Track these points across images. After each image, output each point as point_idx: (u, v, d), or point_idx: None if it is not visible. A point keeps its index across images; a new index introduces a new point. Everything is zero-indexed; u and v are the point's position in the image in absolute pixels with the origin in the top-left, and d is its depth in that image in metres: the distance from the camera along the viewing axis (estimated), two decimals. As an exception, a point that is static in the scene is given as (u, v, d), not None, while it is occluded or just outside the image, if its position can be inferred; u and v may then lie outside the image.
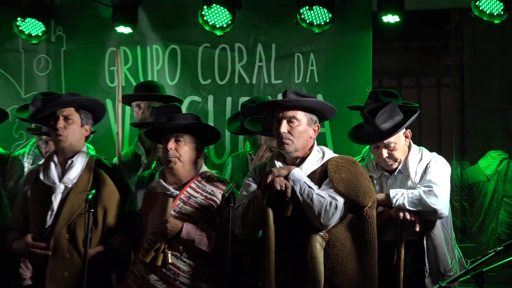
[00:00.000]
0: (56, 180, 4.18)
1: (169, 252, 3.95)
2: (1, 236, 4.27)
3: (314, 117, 3.90)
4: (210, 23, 5.57)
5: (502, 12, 5.34)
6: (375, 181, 4.14)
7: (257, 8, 5.73)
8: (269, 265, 3.64)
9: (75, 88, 5.19)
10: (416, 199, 3.99)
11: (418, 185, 4.07)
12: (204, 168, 4.23)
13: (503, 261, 3.45)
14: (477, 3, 5.34)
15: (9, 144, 5.83)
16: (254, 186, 3.89)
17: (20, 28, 5.82)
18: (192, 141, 4.13)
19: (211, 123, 5.57)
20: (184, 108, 5.52)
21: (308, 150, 3.88)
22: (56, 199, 4.13)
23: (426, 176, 4.08)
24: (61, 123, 4.18)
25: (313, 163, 3.85)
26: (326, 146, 4.20)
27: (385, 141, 4.09)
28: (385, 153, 4.11)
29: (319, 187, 3.75)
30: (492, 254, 3.41)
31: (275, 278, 3.65)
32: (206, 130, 4.29)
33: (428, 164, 4.13)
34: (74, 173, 4.19)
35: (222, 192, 3.92)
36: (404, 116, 4.15)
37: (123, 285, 4.08)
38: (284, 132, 3.81)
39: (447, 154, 6.70)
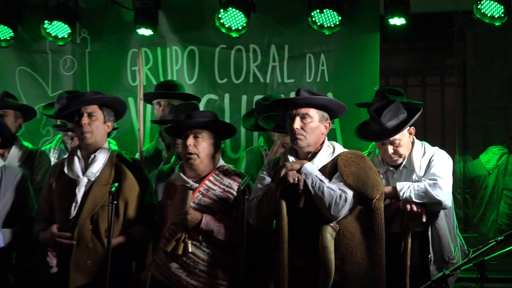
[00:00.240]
0: (80, 174, 4.25)
1: (189, 241, 4.01)
2: (28, 226, 4.33)
3: (326, 115, 3.96)
4: (226, 26, 5.64)
5: (502, 15, 5.37)
6: (381, 176, 4.12)
7: (271, 11, 5.77)
8: (282, 254, 3.70)
9: (99, 87, 5.27)
10: (422, 191, 4.03)
11: (423, 178, 4.11)
12: (221, 162, 4.27)
13: (503, 250, 3.56)
14: (479, 6, 5.38)
15: (37, 140, 5.91)
16: (268, 179, 3.95)
17: (47, 31, 5.88)
18: (209, 137, 4.18)
19: (227, 120, 5.62)
20: (201, 106, 5.53)
21: (319, 146, 3.93)
22: (80, 192, 4.20)
23: (430, 170, 4.12)
24: (85, 119, 4.24)
25: (324, 157, 3.91)
26: (336, 141, 4.21)
27: (391, 139, 4.13)
28: (390, 149, 4.16)
29: (330, 180, 3.80)
30: (493, 243, 3.48)
31: (288, 266, 3.70)
32: (222, 127, 4.35)
33: (431, 158, 4.17)
34: (96, 167, 4.25)
35: (238, 185, 3.93)
36: (408, 113, 4.19)
37: (145, 272, 4.16)
38: (297, 128, 3.87)
39: (451, 149, 6.72)
